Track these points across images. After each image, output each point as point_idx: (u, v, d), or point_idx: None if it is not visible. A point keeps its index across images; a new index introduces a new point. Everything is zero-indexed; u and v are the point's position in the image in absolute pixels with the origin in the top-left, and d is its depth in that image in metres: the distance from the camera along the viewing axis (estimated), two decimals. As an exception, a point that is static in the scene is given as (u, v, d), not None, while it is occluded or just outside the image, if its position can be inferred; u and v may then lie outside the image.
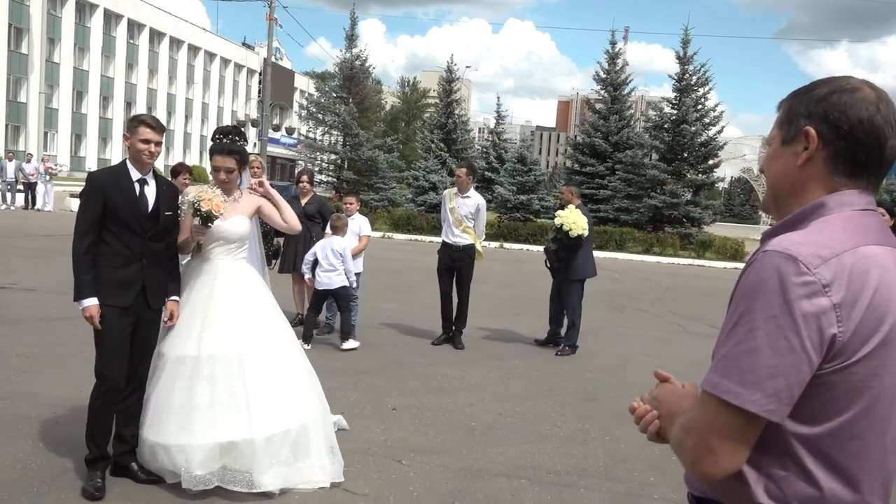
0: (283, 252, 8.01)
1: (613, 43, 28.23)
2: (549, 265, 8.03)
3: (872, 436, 1.23)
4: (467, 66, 60.15)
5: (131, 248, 3.68)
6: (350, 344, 7.21)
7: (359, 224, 7.97)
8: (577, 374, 6.88)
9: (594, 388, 6.45)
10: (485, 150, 41.57)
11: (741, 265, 17.17)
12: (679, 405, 1.41)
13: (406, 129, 63.87)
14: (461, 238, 7.60)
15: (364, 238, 7.96)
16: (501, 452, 4.68)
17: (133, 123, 3.73)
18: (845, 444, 1.21)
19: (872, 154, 1.27)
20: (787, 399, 1.17)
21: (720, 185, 42.39)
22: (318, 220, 8.09)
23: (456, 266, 7.67)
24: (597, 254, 21.31)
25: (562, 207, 7.84)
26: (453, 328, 7.72)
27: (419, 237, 22.48)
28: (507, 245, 22.30)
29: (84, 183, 3.87)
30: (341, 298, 7.28)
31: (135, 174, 3.74)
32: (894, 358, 1.22)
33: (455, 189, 7.81)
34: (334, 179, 29.91)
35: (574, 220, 7.55)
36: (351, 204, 8.03)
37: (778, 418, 1.18)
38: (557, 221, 7.66)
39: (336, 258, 7.17)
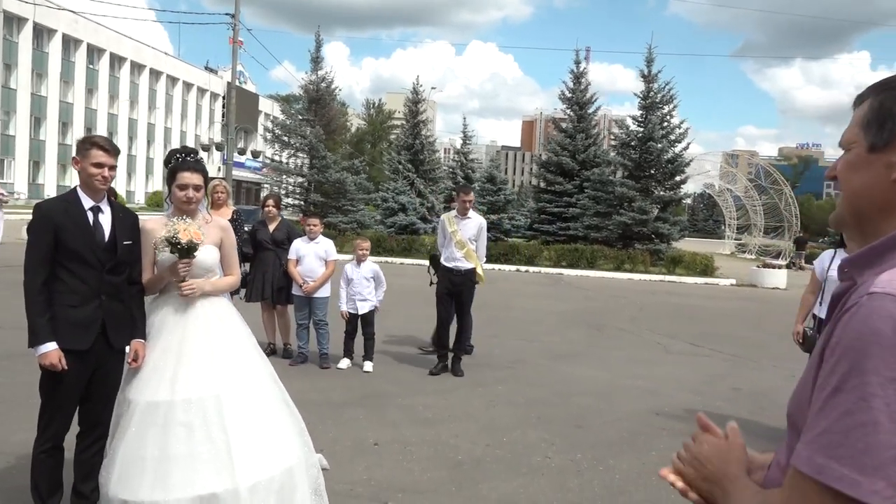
0: (250, 280, 7.70)
1: (578, 62, 28.51)
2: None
3: None
4: (432, 88, 60.45)
5: (88, 284, 3.35)
6: (368, 366, 7.41)
7: (324, 248, 7.69)
8: (563, 400, 6.65)
9: (581, 413, 6.23)
10: (452, 170, 41.57)
11: (712, 280, 17.42)
12: (725, 463, 1.19)
13: (372, 151, 63.65)
14: (462, 262, 7.39)
15: (331, 263, 7.68)
16: (493, 488, 4.41)
17: (84, 146, 3.39)
18: None
19: None
20: None
21: (685, 202, 42.94)
22: (287, 245, 7.80)
23: (457, 291, 7.45)
24: (568, 272, 21.59)
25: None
26: (452, 356, 7.45)
27: (389, 259, 22.20)
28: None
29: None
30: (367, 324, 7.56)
31: (87, 202, 3.41)
32: None
33: (453, 213, 7.62)
34: (301, 202, 29.50)
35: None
36: (314, 226, 7.76)
37: None
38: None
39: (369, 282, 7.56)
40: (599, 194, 25.37)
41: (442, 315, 7.49)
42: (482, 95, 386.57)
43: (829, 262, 5.58)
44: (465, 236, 7.37)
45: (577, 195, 26.25)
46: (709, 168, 42.12)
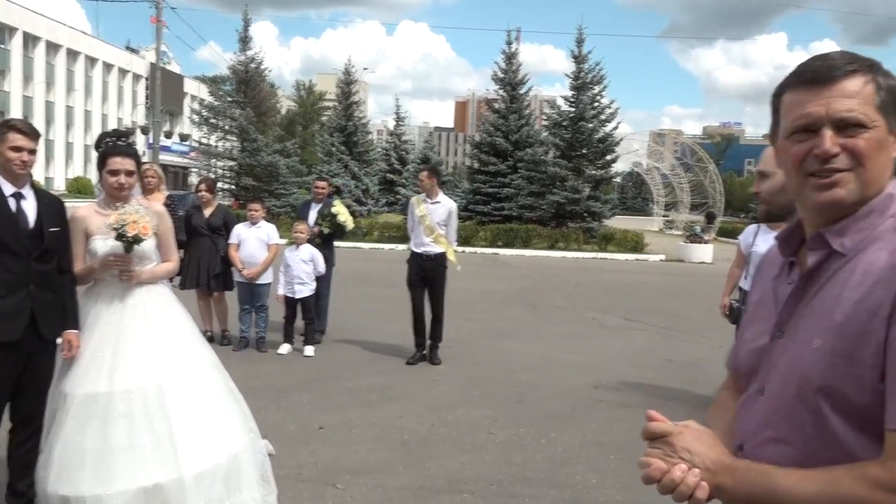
0: (185, 267, 7.52)
1: (509, 43, 28.64)
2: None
3: None
4: (364, 69, 59.76)
5: (14, 273, 3.21)
6: (309, 351, 7.36)
7: (266, 232, 7.60)
8: (504, 377, 6.77)
9: (523, 389, 6.36)
10: (386, 152, 41.43)
11: (642, 256, 17.91)
12: (720, 451, 1.19)
13: (304, 133, 62.63)
14: (432, 247, 7.17)
15: (273, 247, 7.60)
16: (440, 466, 4.48)
17: (2, 130, 3.24)
18: None
19: None
20: None
21: (616, 180, 43.90)
22: (223, 231, 7.65)
23: (428, 277, 7.22)
24: (504, 251, 21.84)
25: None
26: (428, 343, 7.32)
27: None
28: (415, 247, 22.11)
29: None
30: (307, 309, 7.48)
31: (7, 188, 3.25)
32: None
33: (423, 195, 7.38)
34: (233, 186, 28.89)
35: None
36: (255, 211, 7.66)
37: None
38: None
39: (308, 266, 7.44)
40: (533, 174, 25.68)
41: (414, 303, 7.28)
42: (414, 76, 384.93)
43: (752, 237, 5.81)
44: (434, 221, 7.16)
45: (511, 175, 26.50)
46: (637, 147, 43.14)
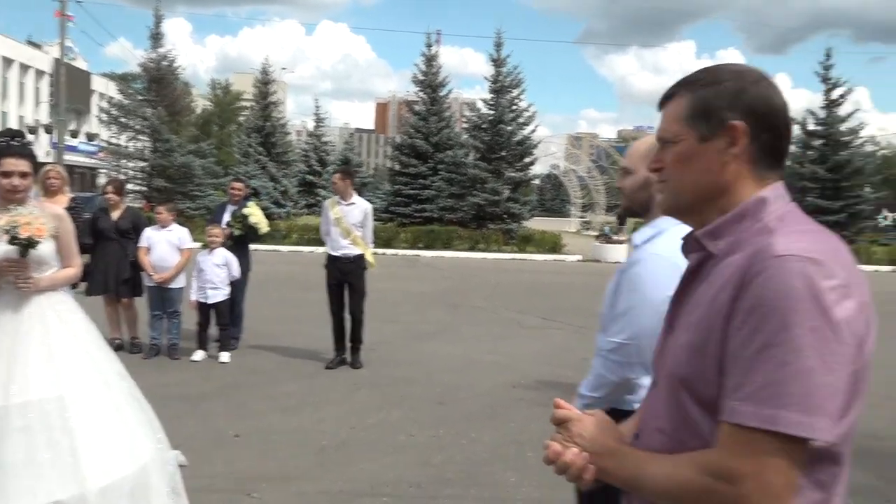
0: (91, 272, 7.19)
1: (429, 45, 28.77)
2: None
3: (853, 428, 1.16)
4: (283, 68, 58.75)
5: None
6: (225, 357, 7.18)
7: (178, 236, 7.36)
8: (424, 378, 6.77)
9: (443, 390, 6.38)
10: (305, 153, 40.85)
11: (560, 257, 18.31)
12: (610, 437, 1.27)
13: (220, 133, 61.01)
14: (350, 249, 7.05)
15: (185, 251, 7.37)
16: (359, 470, 4.44)
17: None
18: (849, 440, 1.14)
19: (787, 141, 1.25)
20: (843, 416, 1.06)
21: (534, 182, 44.71)
22: (133, 235, 7.36)
23: (347, 280, 7.09)
24: (425, 253, 21.89)
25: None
26: (349, 346, 7.19)
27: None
28: (335, 249, 21.87)
29: None
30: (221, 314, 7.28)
31: None
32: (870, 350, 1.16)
33: (336, 197, 7.24)
34: (144, 188, 27.85)
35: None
36: (160, 214, 7.41)
37: (840, 440, 1.08)
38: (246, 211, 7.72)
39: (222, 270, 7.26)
40: (453, 176, 25.85)
41: (334, 307, 7.15)
42: (334, 77, 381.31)
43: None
44: (350, 222, 7.06)
45: (432, 177, 26.60)
46: (555, 150, 44.05)
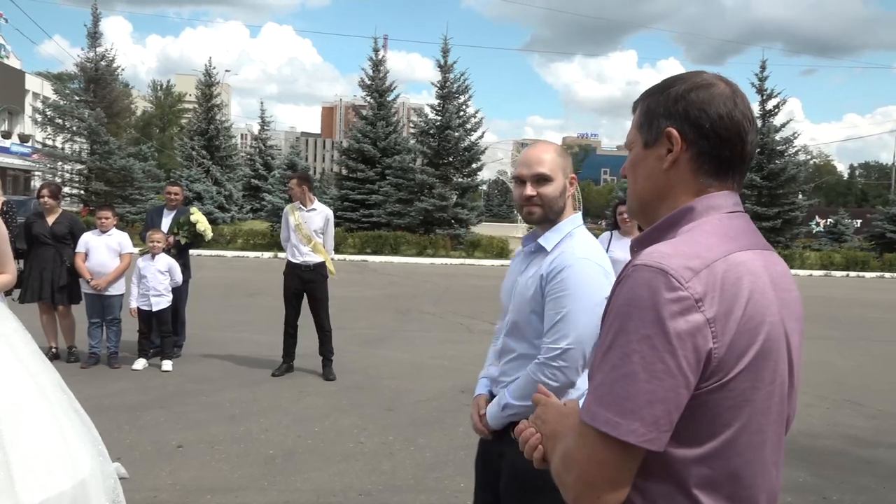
0: (25, 279, 6.94)
1: (377, 50, 28.67)
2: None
3: (753, 450, 1.16)
4: (226, 70, 57.75)
5: None
6: (167, 365, 7.00)
7: (117, 240, 7.16)
8: (373, 385, 6.73)
9: (392, 396, 6.35)
10: (250, 157, 40.25)
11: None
12: (561, 424, 1.31)
13: (162, 136, 59.66)
14: (310, 257, 6.88)
15: (125, 256, 7.18)
16: (307, 479, 4.38)
17: None
18: (728, 462, 1.14)
19: (735, 150, 1.22)
20: (666, 426, 1.08)
21: (482, 188, 45.00)
22: (69, 240, 7.13)
23: (307, 288, 6.92)
24: (373, 258, 21.78)
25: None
26: (321, 359, 7.04)
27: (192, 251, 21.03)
28: (281, 255, 21.55)
29: None
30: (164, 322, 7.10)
31: None
32: (770, 368, 1.16)
33: (297, 203, 7.04)
34: (82, 191, 27.00)
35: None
36: (106, 219, 7.20)
37: (658, 447, 1.08)
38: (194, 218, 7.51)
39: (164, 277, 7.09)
40: (401, 181, 25.80)
41: (289, 314, 6.98)
42: (280, 80, 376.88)
43: (607, 243, 6.13)
44: (310, 229, 6.90)
45: (380, 182, 26.49)
46: (502, 156, 44.48)
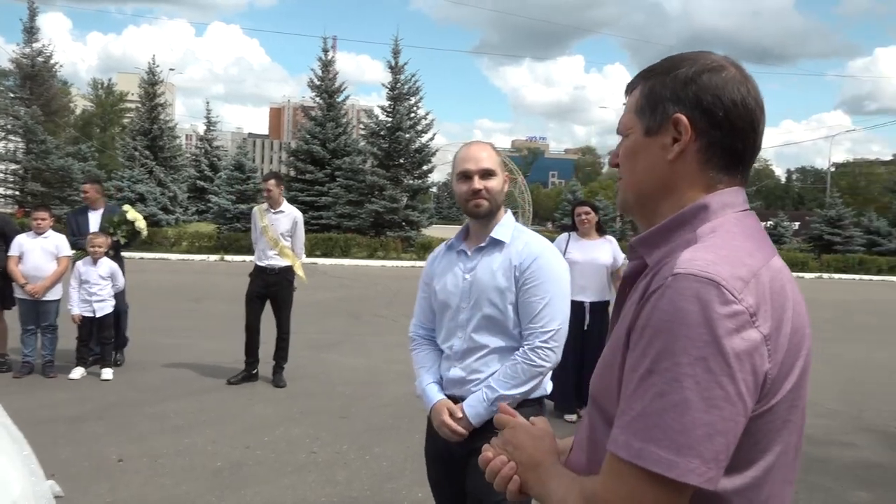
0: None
1: (326, 51, 28.40)
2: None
3: (783, 473, 1.05)
4: (171, 69, 56.45)
5: None
6: (107, 374, 6.67)
7: (55, 243, 6.81)
8: (326, 391, 6.54)
9: (345, 403, 6.17)
10: (196, 157, 39.39)
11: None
12: (539, 450, 1.19)
13: (103, 136, 57.92)
14: (276, 260, 6.66)
15: (63, 259, 6.82)
16: (257, 493, 4.17)
17: None
18: (762, 490, 1.02)
19: (748, 141, 1.09)
20: (724, 461, 0.93)
21: (432, 190, 44.99)
22: (1, 243, 6.74)
23: (271, 292, 6.70)
24: (323, 261, 21.47)
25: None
26: (273, 364, 6.79)
27: (127, 254, 20.37)
28: (228, 257, 21.11)
29: None
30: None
31: None
32: (806, 385, 1.05)
33: (265, 205, 6.80)
34: (17, 192, 25.95)
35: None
36: (43, 220, 6.84)
37: (715, 486, 0.93)
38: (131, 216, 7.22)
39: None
40: (351, 183, 25.55)
41: (250, 319, 6.73)
42: (227, 80, 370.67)
43: (565, 245, 6.07)
44: (277, 232, 6.66)
45: (329, 184, 26.18)
46: (451, 158, 44.37)
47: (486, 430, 2.27)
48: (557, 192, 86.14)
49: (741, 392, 0.92)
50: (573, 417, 6.01)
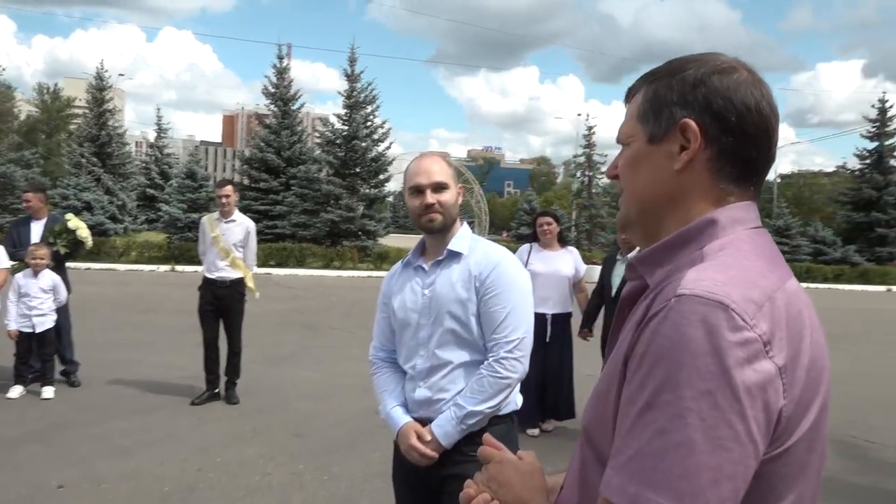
0: None
1: (280, 58, 28.06)
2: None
3: None
4: (120, 74, 55.21)
5: None
6: (48, 392, 6.32)
7: (-8, 254, 6.46)
8: (280, 407, 6.31)
9: (301, 420, 5.96)
10: (146, 165, 38.55)
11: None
12: (527, 488, 1.08)
13: (48, 142, 56.20)
14: (227, 272, 6.41)
15: (2, 272, 6.47)
16: (208, 519, 3.96)
17: None
18: None
19: (762, 150, 0.98)
20: None
21: (389, 199, 44.79)
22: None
23: (222, 305, 6.45)
24: (277, 271, 21.10)
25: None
26: (225, 381, 6.51)
27: (72, 264, 19.69)
28: (179, 268, 20.56)
29: None
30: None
31: None
32: (826, 423, 0.94)
33: (216, 214, 6.55)
34: (-46, 201, 24.95)
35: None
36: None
37: None
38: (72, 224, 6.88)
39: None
40: (306, 192, 25.22)
41: (207, 335, 6.48)
42: (179, 86, 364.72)
43: (526, 255, 5.99)
44: (229, 242, 6.42)
45: (284, 193, 25.81)
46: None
47: (457, 452, 2.18)
48: (513, 202, 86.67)
49: (752, 431, 0.80)
50: (535, 432, 5.92)
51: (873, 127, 35.71)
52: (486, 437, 1.22)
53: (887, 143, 35.50)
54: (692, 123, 0.96)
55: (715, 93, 0.96)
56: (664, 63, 1.04)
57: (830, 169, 54.87)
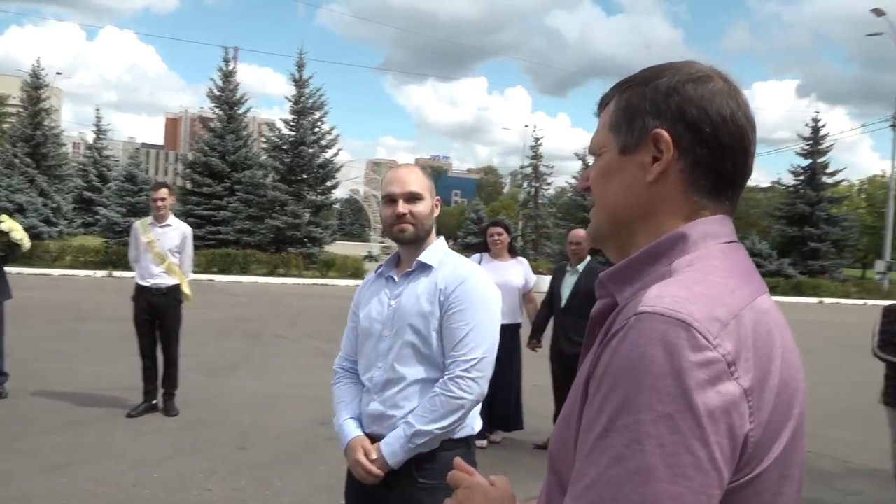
0: None
1: (227, 61, 27.61)
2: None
3: None
4: (58, 73, 53.44)
5: None
6: None
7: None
8: (222, 419, 6.11)
9: (244, 432, 5.78)
10: (84, 167, 37.40)
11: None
12: None
13: (-22, 141, 53.97)
14: (162, 279, 6.18)
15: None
16: (144, 539, 3.78)
17: None
18: None
19: (738, 162, 0.95)
20: None
21: (335, 206, 44.49)
22: None
23: (158, 313, 6.21)
24: (220, 278, 20.64)
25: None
26: (162, 392, 6.25)
27: (7, 269, 18.87)
28: (116, 273, 19.92)
29: None
30: None
31: None
32: (801, 449, 0.89)
33: (149, 219, 6.31)
34: None
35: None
36: None
37: None
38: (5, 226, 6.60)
39: None
40: (251, 197, 24.82)
41: (144, 345, 6.24)
42: (120, 87, 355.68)
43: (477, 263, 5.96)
44: (165, 247, 6.19)
45: (228, 198, 25.33)
46: (356, 174, 44.12)
47: (407, 477, 2.11)
48: (461, 211, 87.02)
49: (715, 458, 0.75)
50: (483, 443, 5.86)
51: (807, 145, 37.12)
52: (458, 461, 1.17)
53: (820, 160, 36.92)
54: (665, 133, 0.92)
55: (689, 102, 0.92)
56: (639, 71, 1.00)
57: (766, 184, 56.68)
